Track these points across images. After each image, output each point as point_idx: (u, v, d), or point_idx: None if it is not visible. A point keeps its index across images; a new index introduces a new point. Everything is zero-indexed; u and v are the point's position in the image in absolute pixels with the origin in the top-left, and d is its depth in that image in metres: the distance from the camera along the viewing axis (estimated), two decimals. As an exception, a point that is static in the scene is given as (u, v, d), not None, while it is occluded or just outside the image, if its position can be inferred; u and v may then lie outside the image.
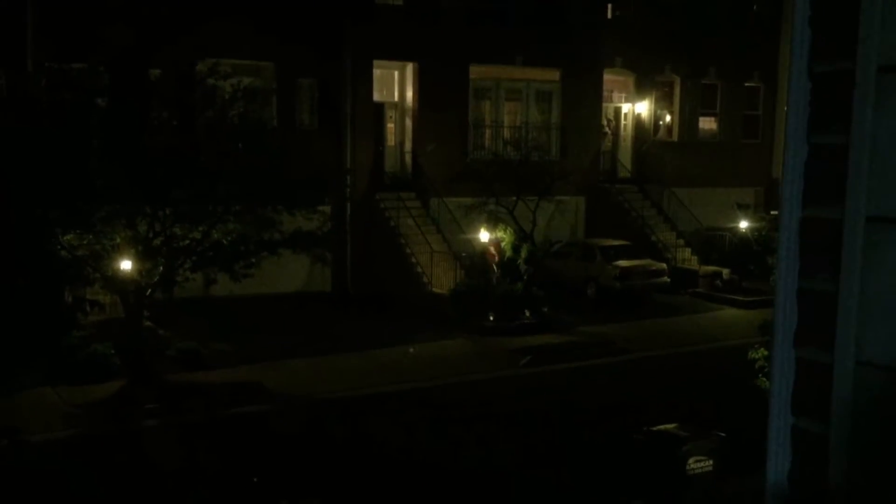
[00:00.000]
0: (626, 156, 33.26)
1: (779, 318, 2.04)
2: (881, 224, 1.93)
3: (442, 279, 25.11)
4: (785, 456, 2.00)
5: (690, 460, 11.88)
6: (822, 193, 2.04)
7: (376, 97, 27.91)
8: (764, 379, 12.05)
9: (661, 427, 12.50)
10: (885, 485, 1.84)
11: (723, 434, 12.35)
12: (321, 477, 13.20)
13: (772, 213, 32.37)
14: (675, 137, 34.02)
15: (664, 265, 27.88)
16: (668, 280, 27.37)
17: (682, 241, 30.42)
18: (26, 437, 12.79)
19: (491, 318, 22.89)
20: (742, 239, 29.73)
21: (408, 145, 28.89)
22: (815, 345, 1.94)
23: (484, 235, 25.33)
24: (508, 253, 25.76)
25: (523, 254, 25.51)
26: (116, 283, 17.10)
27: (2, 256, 8.81)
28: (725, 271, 28.42)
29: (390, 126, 29.01)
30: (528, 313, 23.45)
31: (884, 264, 1.91)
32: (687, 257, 29.80)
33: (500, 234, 25.57)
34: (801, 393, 1.98)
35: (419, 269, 25.52)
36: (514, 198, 25.41)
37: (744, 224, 30.31)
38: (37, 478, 12.58)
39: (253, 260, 18.08)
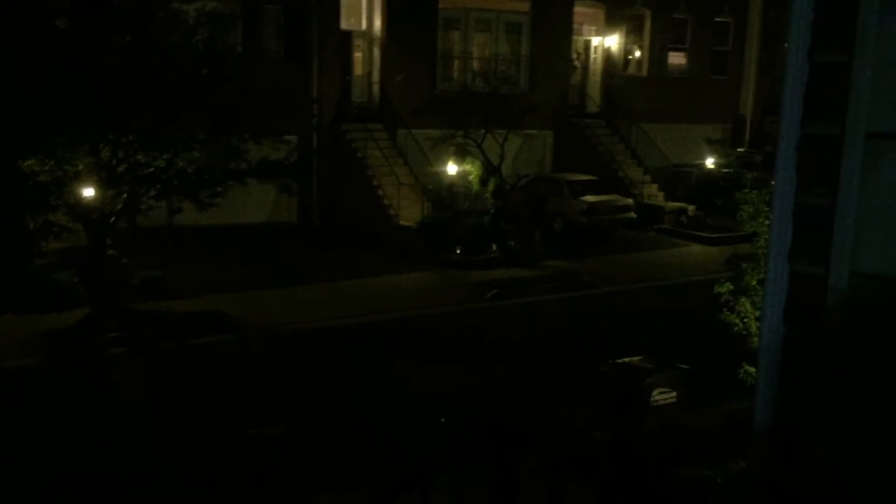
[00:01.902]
0: (595, 90, 33.11)
1: (774, 233, 2.02)
2: (880, 140, 1.91)
3: (409, 212, 25.02)
4: (776, 369, 2.00)
5: (654, 392, 12.06)
6: (821, 111, 2.00)
7: (344, 25, 27.41)
8: (728, 313, 12.18)
9: (626, 359, 12.65)
10: (875, 393, 1.85)
11: (687, 367, 12.52)
12: (286, 406, 13.23)
13: (738, 149, 32.57)
14: (644, 72, 33.90)
15: (631, 201, 28.00)
16: (635, 216, 27.50)
17: (648, 177, 30.53)
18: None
19: (458, 252, 22.90)
20: (709, 175, 29.90)
21: (375, 75, 28.49)
22: (809, 258, 1.93)
23: (452, 168, 25.21)
24: (476, 187, 25.70)
25: (490, 187, 25.45)
26: (80, 210, 16.80)
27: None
28: (691, 208, 28.61)
29: (358, 55, 28.56)
30: (494, 247, 23.49)
31: (882, 179, 1.89)
32: (653, 193, 29.94)
33: (467, 167, 25.47)
34: (793, 306, 1.98)
35: (386, 202, 25.40)
36: (483, 131, 25.25)
37: (711, 160, 30.46)
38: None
39: (218, 189, 17.83)
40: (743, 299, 11.88)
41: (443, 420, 9.37)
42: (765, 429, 2.13)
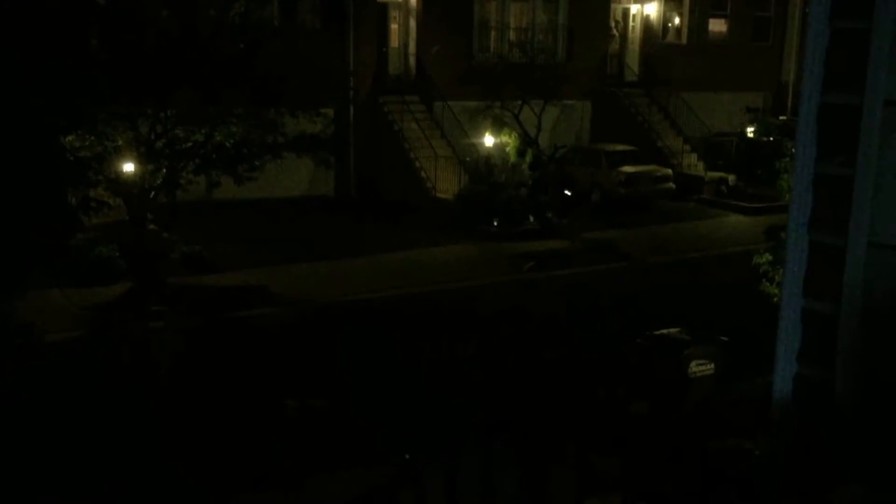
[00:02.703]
0: (633, 59, 32.72)
1: (795, 203, 2.00)
2: (902, 108, 1.88)
3: (446, 184, 24.99)
4: (796, 336, 1.99)
5: (692, 364, 11.96)
6: (842, 79, 1.97)
7: (380, -4, 27.33)
8: (768, 284, 12.07)
9: (664, 331, 12.56)
10: (891, 361, 1.83)
11: (725, 338, 12.41)
12: (328, 379, 13.36)
13: (780, 117, 32.04)
14: (683, 40, 33.41)
15: (670, 171, 27.71)
16: (674, 186, 27.23)
17: (688, 147, 30.16)
18: (40, 336, 12.91)
19: (495, 224, 22.86)
20: (749, 144, 29.48)
21: (412, 47, 28.39)
22: (829, 228, 1.91)
23: (489, 139, 25.11)
24: (513, 158, 25.59)
25: (528, 158, 25.34)
26: (120, 185, 17.03)
27: (5, 158, 8.76)
28: (731, 177, 28.26)
29: (394, 27, 28.46)
30: (532, 219, 23.41)
31: (903, 148, 1.86)
32: (693, 163, 29.59)
33: (504, 138, 25.36)
34: (813, 275, 1.96)
35: (423, 174, 25.38)
36: (520, 101, 25.09)
37: (751, 129, 30.01)
38: (52, 376, 12.73)
39: (256, 163, 17.96)
40: (782, 270, 11.76)
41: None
42: (785, 401, 2.13)
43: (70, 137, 15.60)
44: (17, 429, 10.59)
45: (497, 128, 25.13)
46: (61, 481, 9.78)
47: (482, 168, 25.17)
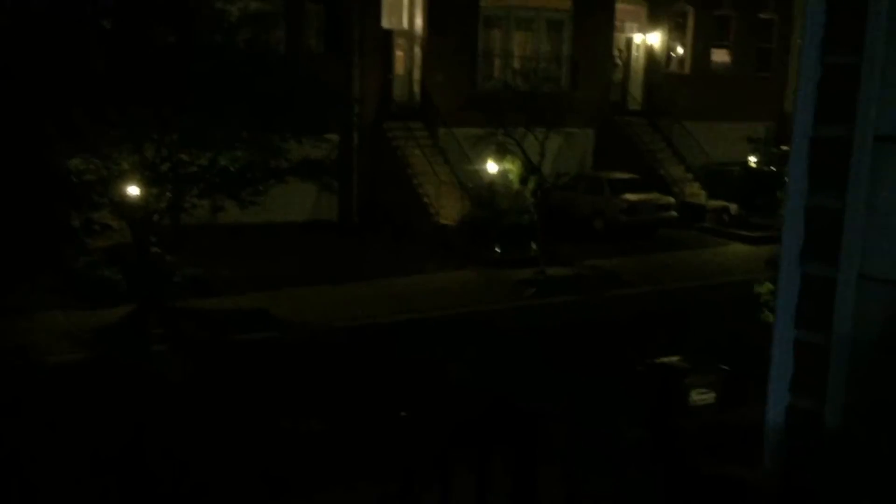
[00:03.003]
0: (636, 88, 32.90)
1: (787, 235, 2.04)
2: (889, 143, 1.92)
3: (449, 210, 25.06)
4: (788, 366, 2.02)
5: (692, 392, 11.98)
6: (833, 113, 2.01)
7: (385, 24, 27.52)
8: (768, 313, 12.08)
9: (664, 359, 12.57)
10: (882, 393, 1.86)
11: (726, 367, 12.42)
12: (325, 402, 13.36)
13: (782, 147, 32.16)
14: (686, 70, 33.62)
15: (672, 199, 27.80)
16: (676, 214, 27.31)
17: (690, 176, 30.27)
18: (42, 357, 12.92)
19: (497, 250, 22.89)
20: (751, 173, 29.57)
21: (416, 74, 28.57)
22: (821, 260, 1.94)
23: (492, 166, 25.18)
24: (516, 185, 25.62)
25: (531, 186, 25.38)
26: (124, 208, 17.09)
27: (8, 180, 8.83)
28: (733, 206, 28.33)
29: (399, 54, 28.65)
30: (534, 245, 23.44)
31: (890, 182, 1.90)
32: (695, 192, 29.67)
33: (507, 165, 25.41)
34: (804, 307, 2.00)
35: (426, 200, 25.46)
36: (523, 129, 25.18)
37: (753, 158, 30.11)
38: (49, 398, 12.74)
39: (260, 187, 18.01)
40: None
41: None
42: (776, 431, 2.16)
43: (75, 160, 15.69)
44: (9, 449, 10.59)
45: (500, 155, 25.18)
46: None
47: (485, 194, 25.23)
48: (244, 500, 10.25)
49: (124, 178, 16.82)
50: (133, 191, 16.92)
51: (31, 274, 9.07)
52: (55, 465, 10.52)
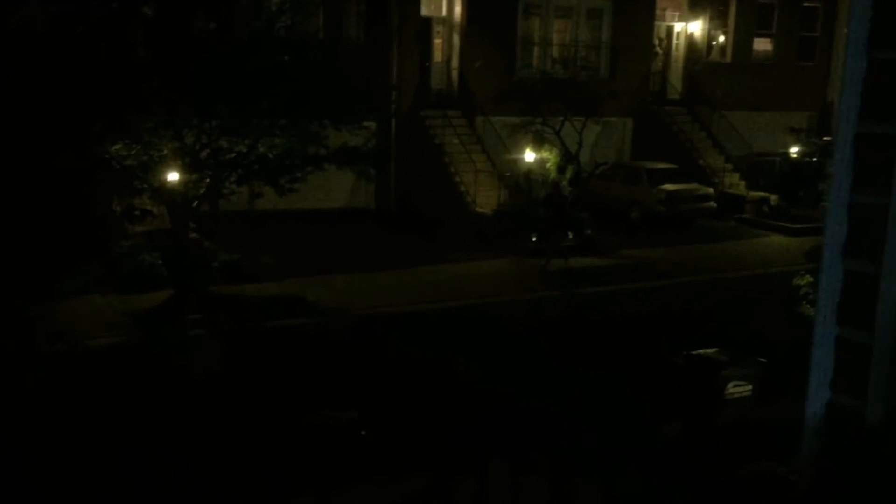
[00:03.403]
0: (676, 77, 32.56)
1: (829, 231, 2.01)
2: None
3: (485, 198, 25.03)
4: (829, 363, 2.00)
5: (729, 385, 11.84)
6: (879, 109, 1.98)
7: (424, 11, 27.48)
8: (808, 306, 11.93)
9: (701, 351, 12.45)
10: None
11: (763, 360, 12.28)
12: (361, 390, 13.41)
13: (824, 138, 31.69)
14: (728, 58, 33.20)
15: (711, 190, 27.53)
16: (715, 205, 27.04)
17: (730, 166, 29.94)
18: (85, 342, 13.07)
19: (533, 239, 22.83)
20: (792, 164, 29.18)
21: (455, 62, 28.51)
22: (864, 257, 1.91)
23: (529, 155, 25.11)
24: (553, 174, 25.53)
25: (568, 175, 25.28)
26: (164, 194, 17.26)
27: (53, 167, 8.93)
28: (774, 197, 27.99)
29: (437, 42, 28.61)
30: (570, 235, 23.35)
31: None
32: (735, 182, 29.36)
33: (545, 154, 25.33)
34: (846, 303, 1.97)
35: (463, 188, 25.44)
36: (561, 118, 25.07)
37: (795, 149, 29.71)
38: (91, 382, 12.90)
39: (298, 174, 18.10)
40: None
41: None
42: (816, 427, 2.12)
43: (117, 146, 15.86)
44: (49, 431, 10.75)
45: (538, 143, 25.11)
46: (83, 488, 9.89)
47: (522, 183, 25.16)
48: (278, 493, 10.33)
49: (164, 164, 16.99)
50: (173, 177, 17.08)
51: (77, 261, 9.19)
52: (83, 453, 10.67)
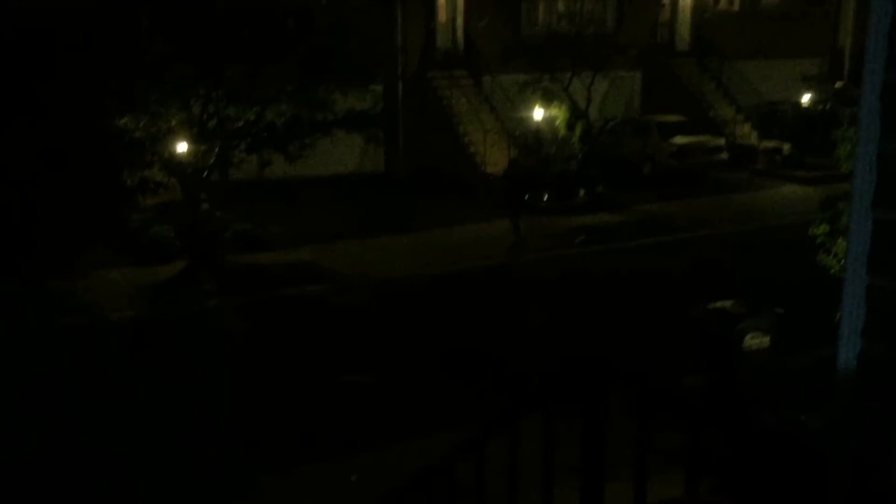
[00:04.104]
0: (684, 28, 32.18)
1: (858, 181, 1.97)
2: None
3: (495, 158, 24.90)
4: (860, 312, 1.97)
5: (747, 337, 11.84)
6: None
7: (427, -29, 27.18)
8: (825, 255, 11.86)
9: (718, 304, 12.44)
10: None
11: (780, 310, 12.25)
12: (378, 354, 13.48)
13: (836, 84, 31.35)
14: (735, 6, 32.76)
15: (722, 141, 27.31)
16: (727, 157, 26.85)
17: (741, 117, 29.68)
18: (104, 315, 13.13)
19: (545, 198, 22.75)
20: (804, 112, 28.90)
21: (460, 21, 28.23)
22: (892, 205, 1.88)
23: (538, 113, 24.95)
24: (563, 131, 25.40)
25: (578, 132, 25.14)
26: (174, 165, 17.26)
27: (62, 139, 8.92)
28: (786, 146, 27.76)
29: (441, 2, 28.30)
30: (582, 192, 23.26)
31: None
32: (746, 133, 29.12)
33: (554, 111, 25.17)
34: (876, 253, 1.93)
35: (472, 149, 25.32)
36: (569, 74, 24.88)
37: (807, 97, 29.40)
38: (112, 355, 13.00)
39: (307, 141, 18.06)
40: (840, 240, 11.54)
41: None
42: (848, 376, 2.10)
43: (125, 119, 15.82)
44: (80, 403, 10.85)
45: (546, 101, 24.94)
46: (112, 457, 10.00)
47: (532, 142, 25.03)
48: (306, 456, 10.42)
49: (173, 135, 16.96)
50: (182, 148, 17.06)
51: (95, 235, 9.23)
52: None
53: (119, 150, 14.71)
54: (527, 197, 21.19)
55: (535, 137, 25.02)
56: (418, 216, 21.90)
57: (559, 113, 25.14)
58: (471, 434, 3.40)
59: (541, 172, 23.25)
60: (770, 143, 28.08)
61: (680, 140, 26.29)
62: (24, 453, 7.20)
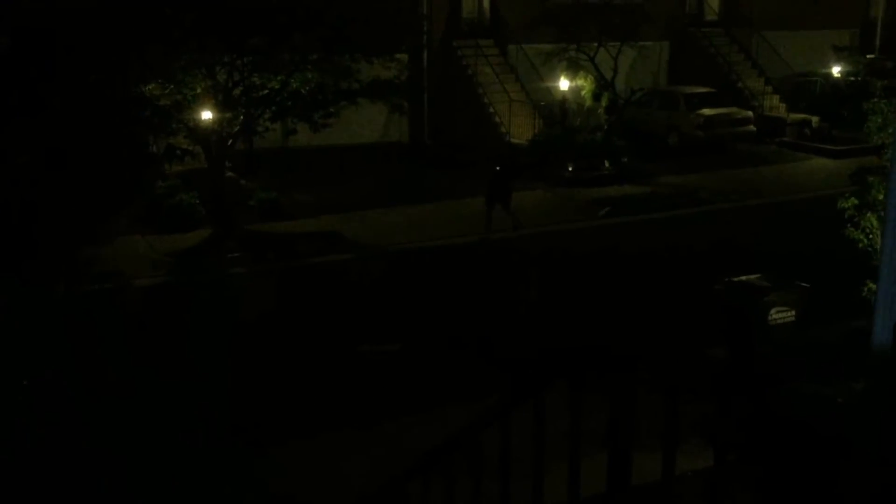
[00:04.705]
0: (713, -3, 31.77)
1: (894, 153, 1.92)
2: None
3: (520, 129, 24.78)
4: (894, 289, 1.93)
5: (772, 310, 11.75)
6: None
7: (452, -62, 26.94)
8: (853, 229, 11.73)
9: (743, 277, 12.35)
10: None
11: (806, 285, 12.15)
12: (402, 323, 13.51)
13: (868, 56, 30.88)
14: (766, -25, 32.25)
15: (750, 113, 27.00)
16: (754, 129, 26.55)
17: (770, 88, 29.30)
18: (131, 281, 13.22)
19: (570, 169, 22.63)
20: (835, 84, 28.49)
21: (486, -11, 28.01)
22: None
23: (564, 83, 24.76)
24: (589, 102, 25.21)
25: (604, 102, 24.94)
26: (199, 133, 17.28)
27: (87, 106, 8.93)
28: (815, 119, 27.41)
29: (467, -31, 28.09)
30: (607, 163, 23.11)
31: None
32: (775, 105, 28.76)
33: (579, 82, 24.97)
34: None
35: (497, 119, 25.20)
36: (596, 44, 24.63)
37: (837, 68, 28.97)
38: (138, 320, 13.10)
39: (331, 109, 18.02)
40: (869, 214, 11.41)
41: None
42: (883, 350, 2.06)
43: (151, 86, 15.83)
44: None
45: (572, 71, 24.74)
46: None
47: (557, 112, 24.86)
48: (330, 425, 10.48)
49: (198, 103, 16.97)
50: (207, 115, 17.07)
51: (122, 202, 9.28)
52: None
53: (145, 117, 14.74)
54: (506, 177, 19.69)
55: (561, 108, 24.84)
56: (441, 186, 21.86)
57: (585, 83, 24.93)
58: (497, 402, 3.39)
59: (565, 143, 23.10)
60: (799, 116, 27.74)
61: (707, 111, 26.01)
62: (52, 416, 7.30)
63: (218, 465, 8.87)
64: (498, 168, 18.68)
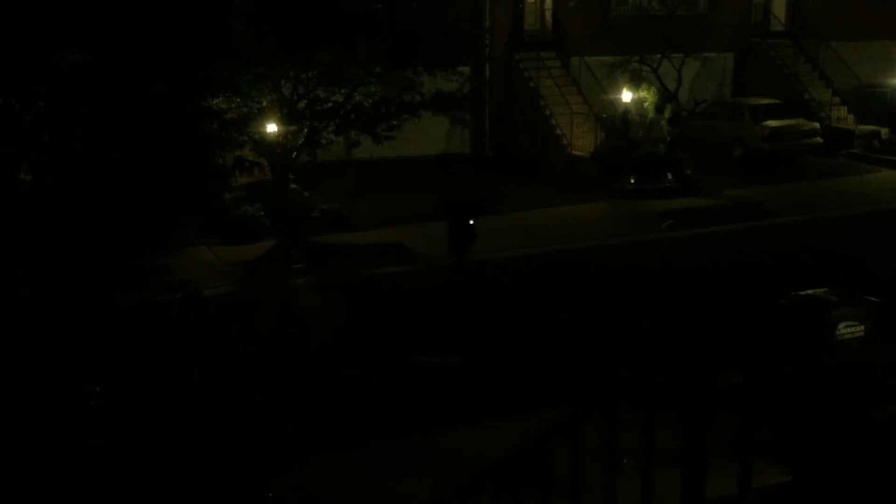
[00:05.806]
0: (779, 7, 31.28)
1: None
2: None
3: (582, 141, 24.70)
4: None
5: (840, 325, 11.53)
6: None
7: (515, -48, 27.01)
8: (925, 243, 11.48)
9: (811, 291, 12.14)
10: None
11: (876, 299, 11.90)
12: (464, 336, 13.54)
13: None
14: (835, -15, 31.70)
15: (817, 125, 26.54)
16: (821, 140, 26.09)
17: (837, 100, 28.76)
18: (201, 290, 13.43)
19: (632, 181, 22.48)
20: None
21: (548, 2, 27.99)
22: None
23: (626, 95, 24.63)
24: (651, 114, 25.03)
25: (667, 114, 24.74)
26: (264, 145, 17.56)
27: (157, 123, 9.15)
28: (884, 130, 26.84)
29: (530, -18, 28.12)
30: (670, 176, 22.91)
31: None
32: (842, 116, 28.23)
33: (642, 94, 24.81)
34: None
35: (559, 131, 25.15)
36: (659, 55, 24.46)
37: (908, 79, 28.35)
38: (208, 328, 13.32)
39: (394, 122, 18.17)
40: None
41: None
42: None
43: (218, 100, 16.13)
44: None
45: (635, 83, 24.59)
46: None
47: (619, 124, 24.73)
48: (390, 433, 10.55)
49: (264, 115, 17.25)
50: (272, 128, 17.34)
51: (191, 213, 9.48)
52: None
53: (212, 131, 15.00)
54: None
55: (623, 120, 24.71)
56: (504, 198, 21.85)
57: (648, 95, 24.76)
58: (568, 413, 3.40)
59: (627, 155, 22.96)
60: (868, 128, 27.19)
61: (773, 123, 25.63)
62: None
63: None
64: (455, 210, 17.41)
